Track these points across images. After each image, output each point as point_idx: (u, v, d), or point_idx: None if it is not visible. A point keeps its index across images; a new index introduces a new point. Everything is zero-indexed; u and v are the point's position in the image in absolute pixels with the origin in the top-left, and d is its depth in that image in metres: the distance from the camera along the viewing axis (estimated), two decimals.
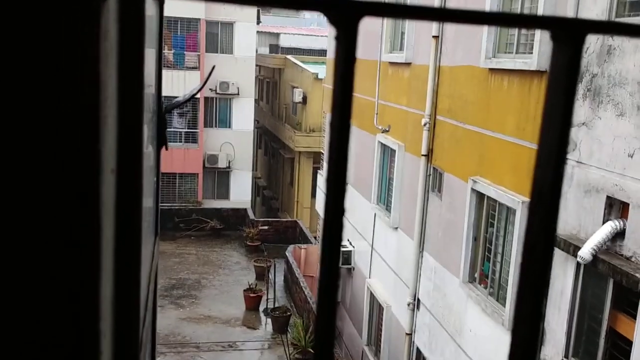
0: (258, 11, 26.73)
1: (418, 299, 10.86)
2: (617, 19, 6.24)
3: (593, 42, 6.44)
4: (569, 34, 0.35)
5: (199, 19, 24.75)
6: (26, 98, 0.40)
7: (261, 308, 17.42)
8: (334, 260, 0.37)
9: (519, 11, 7.97)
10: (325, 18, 0.36)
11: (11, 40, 0.39)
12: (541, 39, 7.30)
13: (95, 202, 0.44)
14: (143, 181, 0.71)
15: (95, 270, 0.45)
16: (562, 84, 0.36)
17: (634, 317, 5.79)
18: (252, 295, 17.35)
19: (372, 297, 13.08)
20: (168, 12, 23.89)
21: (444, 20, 0.34)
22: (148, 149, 1.21)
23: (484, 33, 8.56)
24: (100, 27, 0.41)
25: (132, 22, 0.62)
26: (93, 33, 0.41)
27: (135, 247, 0.69)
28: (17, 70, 0.40)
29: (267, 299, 17.18)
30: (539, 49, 7.31)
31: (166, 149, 1.52)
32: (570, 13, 6.80)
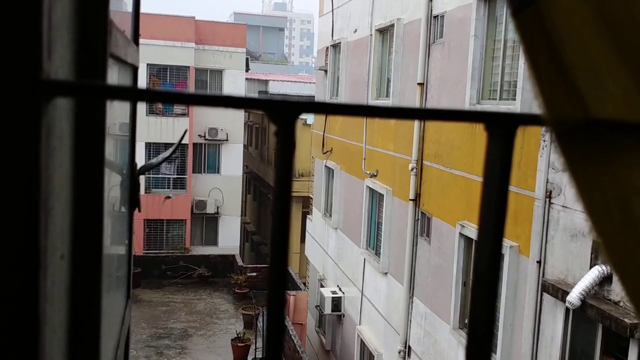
0: (247, 59, 27.18)
1: (409, 346, 10.70)
2: None
3: None
4: (501, 128, 0.36)
5: (188, 67, 25.10)
6: None
7: (250, 358, 17.05)
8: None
9: (502, 42, 8.17)
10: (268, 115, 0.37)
11: None
12: (523, 86, 7.46)
13: (34, 296, 0.43)
14: (102, 265, 0.71)
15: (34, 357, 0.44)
16: (497, 172, 0.37)
17: None
18: (240, 344, 17.01)
19: (363, 344, 12.87)
20: (158, 60, 24.24)
21: (376, 116, 0.35)
22: (119, 213, 1.21)
23: (468, 80, 8.74)
24: (40, 129, 0.41)
25: (89, 118, 0.63)
26: (32, 136, 0.41)
27: (94, 330, 0.68)
28: None
29: (255, 349, 16.85)
30: (522, 95, 7.46)
31: (139, 211, 1.51)
32: None
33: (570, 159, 0.38)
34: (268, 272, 0.38)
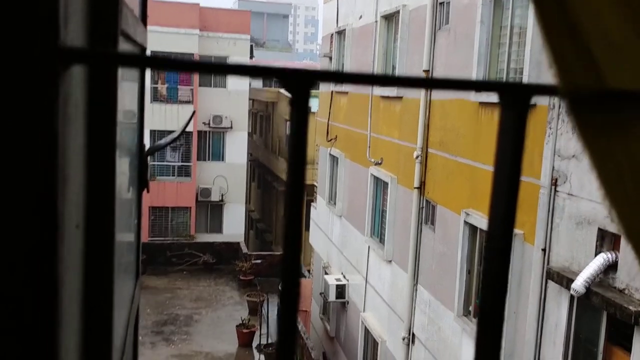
0: (251, 46, 27.09)
1: (413, 333, 10.75)
2: None
3: None
4: (515, 98, 0.36)
5: (193, 54, 25.02)
6: None
7: (254, 344, 17.17)
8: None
9: (508, 28, 8.12)
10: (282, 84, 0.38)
11: None
12: (529, 73, 7.41)
13: (52, 257, 0.44)
14: (115, 236, 0.71)
15: (52, 323, 0.45)
16: (510, 143, 0.37)
17: (629, 350, 5.74)
18: (245, 330, 17.12)
19: (367, 331, 12.93)
20: (162, 47, 24.17)
21: (388, 85, 0.35)
22: (129, 192, 1.21)
23: (474, 67, 8.69)
24: (58, 95, 0.42)
25: (102, 87, 0.63)
26: (51, 102, 0.42)
27: (107, 300, 0.69)
28: None
29: (260, 335, 16.96)
30: (528, 82, 7.41)
31: (147, 191, 1.52)
32: None
33: (584, 129, 0.38)
34: (282, 241, 0.38)
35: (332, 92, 15.63)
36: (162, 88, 24.86)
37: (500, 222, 0.37)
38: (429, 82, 0.35)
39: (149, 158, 1.65)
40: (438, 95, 10.00)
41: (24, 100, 0.41)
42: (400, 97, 11.48)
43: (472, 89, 0.37)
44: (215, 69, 0.35)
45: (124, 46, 0.94)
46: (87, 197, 0.59)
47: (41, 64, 0.40)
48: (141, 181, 1.41)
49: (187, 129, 24.55)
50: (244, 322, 17.35)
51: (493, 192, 0.38)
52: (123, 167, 1.09)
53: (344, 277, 14.53)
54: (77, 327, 0.56)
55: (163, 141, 2.30)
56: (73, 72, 0.50)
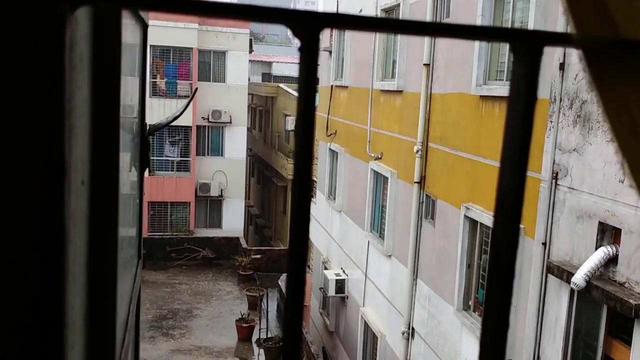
0: (250, 40, 27.04)
1: (412, 328, 10.76)
2: None
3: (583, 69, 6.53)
4: (527, 46, 0.35)
5: (192, 48, 24.98)
6: None
7: (254, 338, 17.20)
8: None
9: (509, 22, 8.08)
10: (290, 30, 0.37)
11: None
12: None
13: (60, 209, 0.43)
14: (119, 194, 0.71)
15: (59, 275, 0.44)
16: (522, 95, 0.36)
17: (629, 343, 5.75)
18: (244, 325, 17.15)
19: (366, 326, 12.95)
20: (161, 41, 24.13)
21: (402, 33, 0.34)
22: (131, 171, 1.21)
23: (475, 60, 8.67)
24: (64, 37, 0.41)
25: (106, 35, 0.62)
26: (57, 43, 0.41)
27: (111, 255, 0.69)
28: None
29: (260, 329, 16.98)
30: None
31: (149, 172, 1.51)
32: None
33: (598, 79, 0.37)
34: (291, 208, 0.37)
35: (331, 86, 15.60)
36: (161, 82, 24.81)
37: (513, 165, 0.37)
38: (436, 27, 0.34)
39: (150, 138, 1.64)
40: (438, 89, 9.98)
41: (30, 41, 0.40)
42: (401, 91, 11.46)
43: (481, 36, 0.36)
44: (221, 10, 0.34)
45: (126, 19, 0.93)
46: (92, 152, 0.58)
47: (47, 4, 0.39)
48: (143, 160, 1.40)
49: (186, 124, 24.50)
50: (243, 316, 17.38)
51: (504, 146, 0.38)
52: (125, 148, 1.08)
53: (344, 272, 14.54)
54: (83, 282, 0.56)
55: (164, 120, 2.30)
56: (78, 22, 0.49)
